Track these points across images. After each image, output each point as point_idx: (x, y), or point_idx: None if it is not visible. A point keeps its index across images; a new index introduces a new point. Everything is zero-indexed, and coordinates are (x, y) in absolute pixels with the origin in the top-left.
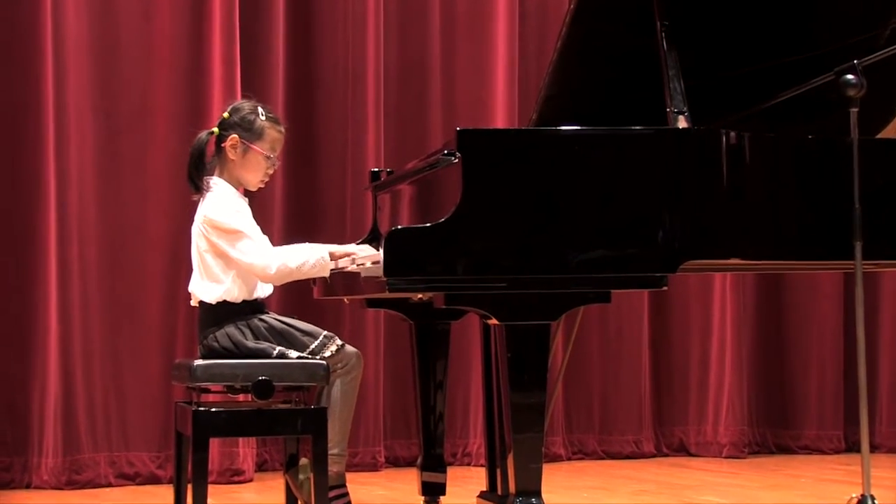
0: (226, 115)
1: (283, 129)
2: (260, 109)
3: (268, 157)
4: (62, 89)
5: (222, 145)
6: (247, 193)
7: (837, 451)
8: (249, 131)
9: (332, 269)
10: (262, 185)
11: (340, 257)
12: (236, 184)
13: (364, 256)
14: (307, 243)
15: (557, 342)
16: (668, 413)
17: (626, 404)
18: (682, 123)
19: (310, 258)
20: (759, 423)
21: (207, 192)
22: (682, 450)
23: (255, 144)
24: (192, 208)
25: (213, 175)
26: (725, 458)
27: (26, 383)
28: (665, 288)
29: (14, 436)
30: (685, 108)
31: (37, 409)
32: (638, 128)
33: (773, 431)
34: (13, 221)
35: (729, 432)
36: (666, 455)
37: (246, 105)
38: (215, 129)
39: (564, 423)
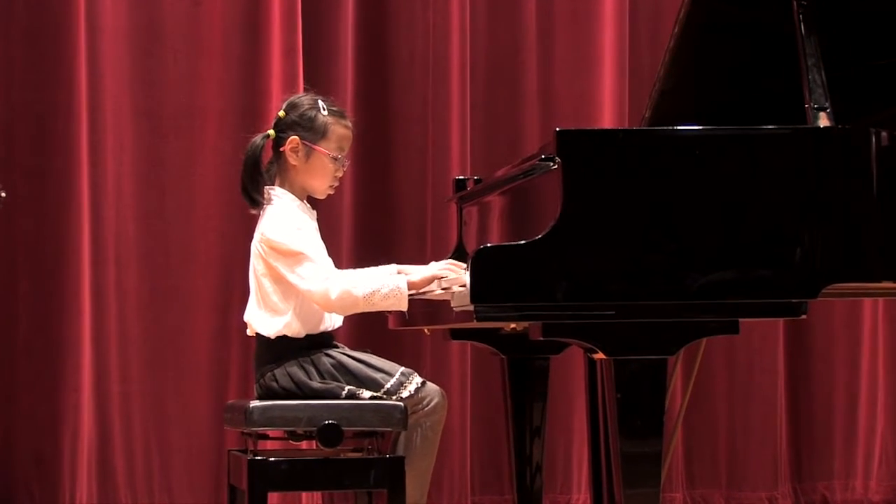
0: (281, 113)
1: (349, 124)
2: (321, 103)
3: (335, 159)
4: (97, 86)
5: (281, 149)
6: (312, 204)
7: None
8: (311, 130)
9: (412, 296)
10: (332, 192)
11: (423, 285)
12: (300, 193)
13: (451, 280)
14: (382, 266)
15: (676, 380)
16: (809, 465)
17: (759, 454)
18: (823, 121)
19: (383, 287)
20: None
21: (267, 205)
22: None
23: (319, 145)
24: (247, 224)
25: (273, 185)
26: None
27: (56, 429)
28: (804, 316)
29: (42, 489)
30: (827, 104)
31: (68, 459)
32: (771, 127)
33: None
34: (40, 241)
35: (882, 488)
36: None
37: (304, 99)
38: (271, 132)
39: (685, 476)
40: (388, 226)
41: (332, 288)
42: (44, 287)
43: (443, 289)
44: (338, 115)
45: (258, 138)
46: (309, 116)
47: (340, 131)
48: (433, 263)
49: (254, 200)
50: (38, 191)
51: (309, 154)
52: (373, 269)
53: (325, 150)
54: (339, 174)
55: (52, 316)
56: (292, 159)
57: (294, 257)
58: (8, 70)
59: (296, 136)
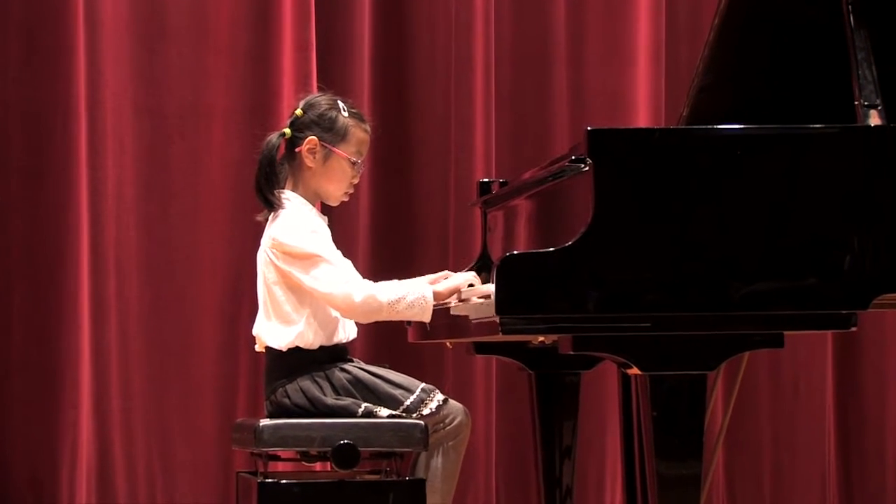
0: (299, 111)
1: (369, 129)
2: (340, 103)
3: (353, 163)
4: (96, 83)
5: (296, 150)
6: (325, 210)
7: None
8: (331, 131)
9: (435, 307)
10: (346, 199)
11: (448, 296)
12: (313, 197)
13: (470, 290)
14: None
15: (716, 398)
16: (860, 486)
17: (805, 475)
18: (874, 120)
19: (408, 294)
20: None
21: (278, 209)
22: None
23: (338, 147)
24: (256, 230)
25: (283, 187)
26: None
27: (53, 448)
28: (853, 328)
29: None
30: (879, 101)
31: (66, 480)
32: (818, 126)
33: None
34: (36, 248)
35: None
36: None
37: (322, 99)
38: (287, 131)
39: (727, 499)
40: (407, 232)
41: (355, 291)
42: (40, 297)
43: (461, 300)
44: (358, 117)
45: (273, 137)
46: (329, 117)
47: (360, 135)
48: (458, 274)
49: (268, 202)
50: (33, 194)
51: (327, 156)
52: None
53: (344, 153)
54: (355, 180)
55: (49, 328)
56: (309, 161)
57: (309, 259)
58: (2, 65)
59: (314, 137)
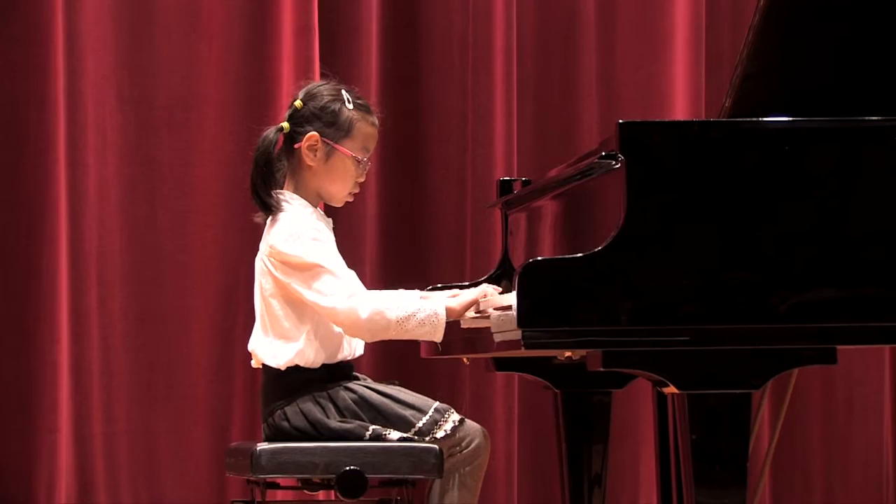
0: (298, 103)
1: (376, 122)
2: (345, 94)
3: (359, 161)
4: (76, 72)
5: (296, 146)
6: (329, 211)
7: None
8: (333, 126)
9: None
10: (350, 199)
11: (462, 312)
12: (314, 198)
13: (488, 300)
14: (416, 291)
15: (762, 419)
16: None
17: None
18: None
19: (419, 311)
20: None
21: (276, 212)
22: None
23: (342, 144)
24: (252, 235)
25: (282, 187)
26: None
27: (29, 476)
28: None
29: None
30: None
31: None
32: (876, 118)
33: None
34: (10, 256)
35: None
36: None
37: (324, 89)
38: (285, 125)
39: None
40: (419, 237)
41: (360, 307)
42: (13, 309)
43: (477, 312)
44: (364, 109)
45: (271, 132)
46: (332, 109)
47: (367, 129)
48: (472, 289)
49: (266, 205)
50: (7, 195)
51: (329, 154)
52: (405, 291)
53: (348, 150)
54: (361, 179)
55: (24, 343)
56: (309, 159)
57: (310, 270)
58: None
59: (315, 132)
